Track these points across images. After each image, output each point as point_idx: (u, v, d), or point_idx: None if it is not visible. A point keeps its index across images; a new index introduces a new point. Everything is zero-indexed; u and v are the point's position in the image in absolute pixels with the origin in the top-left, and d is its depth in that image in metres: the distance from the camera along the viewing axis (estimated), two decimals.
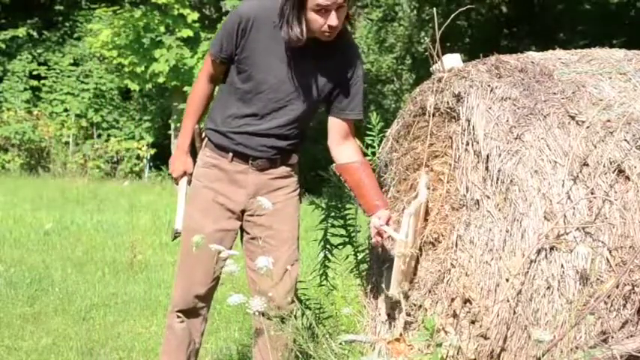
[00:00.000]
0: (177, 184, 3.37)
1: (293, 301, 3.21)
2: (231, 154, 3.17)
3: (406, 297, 3.27)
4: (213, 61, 3.19)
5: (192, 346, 3.32)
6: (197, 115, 3.29)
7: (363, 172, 3.17)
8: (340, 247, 4.19)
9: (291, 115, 3.14)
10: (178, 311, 3.26)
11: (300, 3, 2.91)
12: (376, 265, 3.61)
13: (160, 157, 16.79)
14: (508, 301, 2.83)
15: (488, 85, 3.11)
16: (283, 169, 3.24)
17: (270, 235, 3.20)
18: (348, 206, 4.23)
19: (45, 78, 17.65)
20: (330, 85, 3.14)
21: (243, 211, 3.22)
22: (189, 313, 3.26)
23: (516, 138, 2.96)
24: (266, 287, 2.99)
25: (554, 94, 3.10)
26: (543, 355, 2.77)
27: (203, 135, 3.29)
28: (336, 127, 3.18)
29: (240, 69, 3.11)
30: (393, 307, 3.43)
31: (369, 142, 4.22)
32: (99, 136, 17.41)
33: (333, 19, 2.92)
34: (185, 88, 14.65)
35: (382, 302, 3.49)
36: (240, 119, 3.15)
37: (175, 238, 3.33)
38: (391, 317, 3.44)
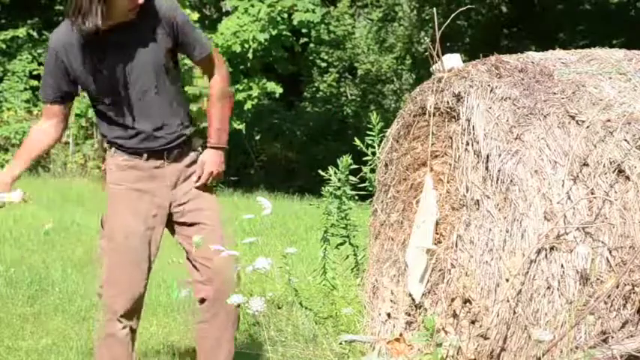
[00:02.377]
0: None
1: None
2: (145, 154, 3.24)
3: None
4: (50, 105, 3.23)
5: (135, 347, 3.35)
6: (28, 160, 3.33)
7: (213, 104, 3.30)
8: (340, 246, 4.19)
9: (157, 97, 3.20)
10: (121, 317, 3.25)
11: None
12: (376, 265, 3.61)
13: None
14: (508, 301, 2.83)
15: (488, 85, 3.11)
16: (192, 155, 3.34)
17: (206, 215, 3.29)
18: (347, 205, 4.23)
19: None
20: (163, 46, 3.16)
21: (169, 205, 3.29)
22: (132, 314, 3.29)
23: (516, 138, 2.96)
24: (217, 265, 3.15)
25: (554, 94, 3.10)
26: (543, 355, 2.77)
27: (105, 145, 3.34)
28: (200, 67, 3.41)
29: (89, 92, 3.21)
30: (393, 306, 3.43)
31: (369, 142, 4.23)
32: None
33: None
34: (185, 88, 14.64)
35: (382, 302, 3.49)
36: (132, 137, 3.22)
37: None
38: (391, 317, 3.44)
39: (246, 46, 14.66)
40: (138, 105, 3.18)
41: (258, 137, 18.67)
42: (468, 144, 3.11)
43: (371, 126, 4.21)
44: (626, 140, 2.92)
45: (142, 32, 3.13)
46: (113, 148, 3.26)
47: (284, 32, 15.10)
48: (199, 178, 3.29)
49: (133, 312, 3.28)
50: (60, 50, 3.14)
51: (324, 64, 20.66)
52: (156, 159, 3.24)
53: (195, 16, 14.63)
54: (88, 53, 3.12)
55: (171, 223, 3.32)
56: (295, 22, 15.00)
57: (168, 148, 3.24)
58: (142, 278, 3.26)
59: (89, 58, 3.12)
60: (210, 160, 3.30)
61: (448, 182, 3.25)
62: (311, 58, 20.19)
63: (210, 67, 3.30)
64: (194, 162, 3.33)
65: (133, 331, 3.31)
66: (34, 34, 18.24)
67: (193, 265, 3.28)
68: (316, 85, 20.64)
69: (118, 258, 3.22)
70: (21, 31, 17.66)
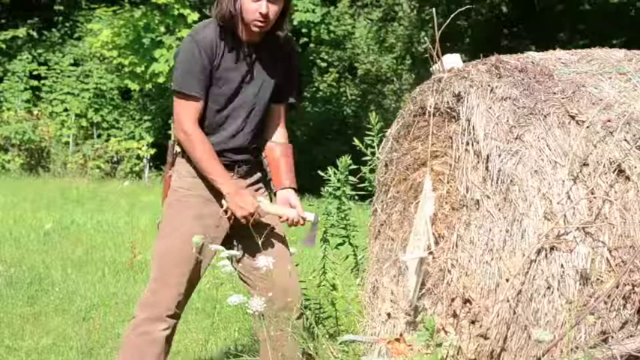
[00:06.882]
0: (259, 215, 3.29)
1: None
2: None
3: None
4: (198, 101, 3.23)
5: (168, 349, 3.33)
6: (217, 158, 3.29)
7: (284, 153, 3.41)
8: (340, 247, 4.19)
9: (258, 115, 3.33)
10: (169, 316, 3.24)
11: None
12: (376, 265, 3.61)
13: (160, 157, 16.78)
14: (508, 301, 2.83)
15: (489, 85, 3.10)
16: (258, 175, 3.43)
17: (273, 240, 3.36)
18: (347, 205, 4.23)
19: (45, 78, 17.65)
20: (278, 78, 3.36)
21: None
22: (177, 315, 3.29)
23: (516, 138, 2.96)
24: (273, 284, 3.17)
25: (554, 94, 3.10)
26: (543, 355, 2.77)
27: (178, 149, 3.35)
28: (274, 111, 3.42)
29: (213, 91, 3.26)
30: (394, 306, 3.43)
31: (369, 142, 4.22)
32: (99, 136, 17.42)
33: (263, 8, 3.14)
34: None
35: (382, 302, 3.49)
36: (222, 147, 3.28)
37: None
38: (391, 317, 3.44)
39: None
40: (245, 119, 3.31)
41: None
42: (468, 144, 3.11)
43: (371, 126, 4.21)
44: (626, 140, 2.92)
45: (275, 60, 3.34)
46: (187, 155, 3.28)
47: None
48: (293, 220, 3.35)
49: (179, 313, 3.30)
50: (213, 44, 3.25)
51: (324, 64, 20.67)
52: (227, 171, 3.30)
53: (196, 16, 14.65)
54: (230, 58, 3.26)
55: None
56: (295, 22, 15.00)
57: (241, 162, 3.33)
58: (197, 275, 3.29)
59: (230, 60, 3.25)
60: (298, 202, 3.39)
61: (448, 182, 3.25)
62: (311, 58, 20.20)
63: (281, 118, 3.44)
64: (258, 181, 3.41)
65: (172, 332, 3.30)
66: (34, 34, 18.24)
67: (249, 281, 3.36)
68: (316, 85, 20.64)
69: (172, 257, 3.23)
70: (21, 31, 17.67)
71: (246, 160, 3.35)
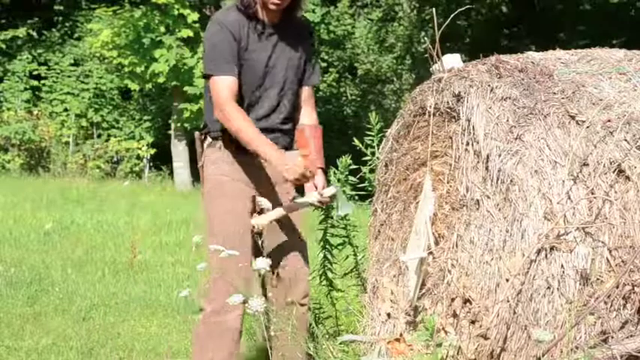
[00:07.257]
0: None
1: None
2: None
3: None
4: (230, 78, 3.26)
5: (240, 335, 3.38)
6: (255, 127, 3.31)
7: (313, 135, 3.39)
8: (340, 247, 4.19)
9: (289, 95, 3.41)
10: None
11: None
12: (376, 265, 3.61)
13: (160, 157, 16.79)
14: (508, 301, 2.83)
15: (489, 85, 3.10)
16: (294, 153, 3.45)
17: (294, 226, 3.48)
18: None
19: (45, 78, 17.65)
20: (301, 58, 3.45)
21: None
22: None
23: (516, 138, 2.96)
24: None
25: (554, 94, 3.10)
26: (543, 355, 2.77)
27: (209, 139, 3.38)
28: (300, 93, 3.49)
29: (242, 73, 3.30)
30: (393, 306, 3.43)
31: (369, 142, 4.22)
32: (99, 136, 17.42)
33: None
34: (185, 88, 14.63)
35: (382, 302, 3.49)
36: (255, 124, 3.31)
37: None
38: (391, 317, 3.44)
39: None
40: (277, 99, 3.37)
41: None
42: (468, 144, 3.11)
43: (371, 126, 4.21)
44: (626, 140, 2.92)
45: (296, 40, 3.42)
46: (220, 141, 3.33)
47: None
48: (320, 202, 3.39)
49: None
50: (232, 29, 3.28)
51: (324, 64, 20.68)
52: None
53: (195, 16, 14.63)
54: (254, 40, 3.32)
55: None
56: None
57: (277, 142, 3.36)
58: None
59: (255, 44, 3.32)
60: (320, 181, 3.41)
61: (448, 182, 3.25)
62: None
63: (308, 99, 3.52)
64: None
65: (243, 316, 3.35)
66: (34, 34, 18.24)
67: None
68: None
69: (234, 244, 3.22)
70: (21, 31, 17.67)
71: (278, 141, 3.38)
